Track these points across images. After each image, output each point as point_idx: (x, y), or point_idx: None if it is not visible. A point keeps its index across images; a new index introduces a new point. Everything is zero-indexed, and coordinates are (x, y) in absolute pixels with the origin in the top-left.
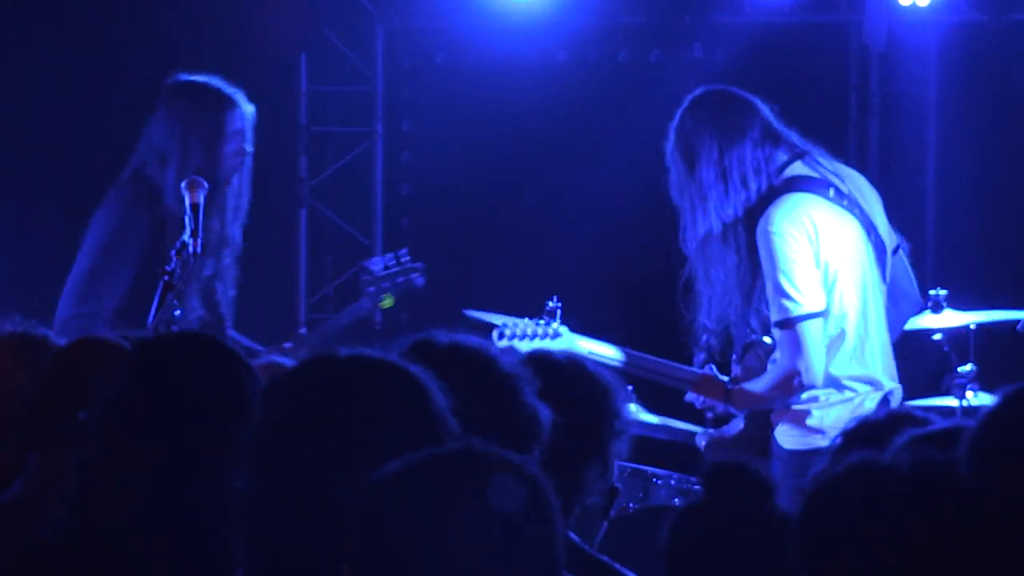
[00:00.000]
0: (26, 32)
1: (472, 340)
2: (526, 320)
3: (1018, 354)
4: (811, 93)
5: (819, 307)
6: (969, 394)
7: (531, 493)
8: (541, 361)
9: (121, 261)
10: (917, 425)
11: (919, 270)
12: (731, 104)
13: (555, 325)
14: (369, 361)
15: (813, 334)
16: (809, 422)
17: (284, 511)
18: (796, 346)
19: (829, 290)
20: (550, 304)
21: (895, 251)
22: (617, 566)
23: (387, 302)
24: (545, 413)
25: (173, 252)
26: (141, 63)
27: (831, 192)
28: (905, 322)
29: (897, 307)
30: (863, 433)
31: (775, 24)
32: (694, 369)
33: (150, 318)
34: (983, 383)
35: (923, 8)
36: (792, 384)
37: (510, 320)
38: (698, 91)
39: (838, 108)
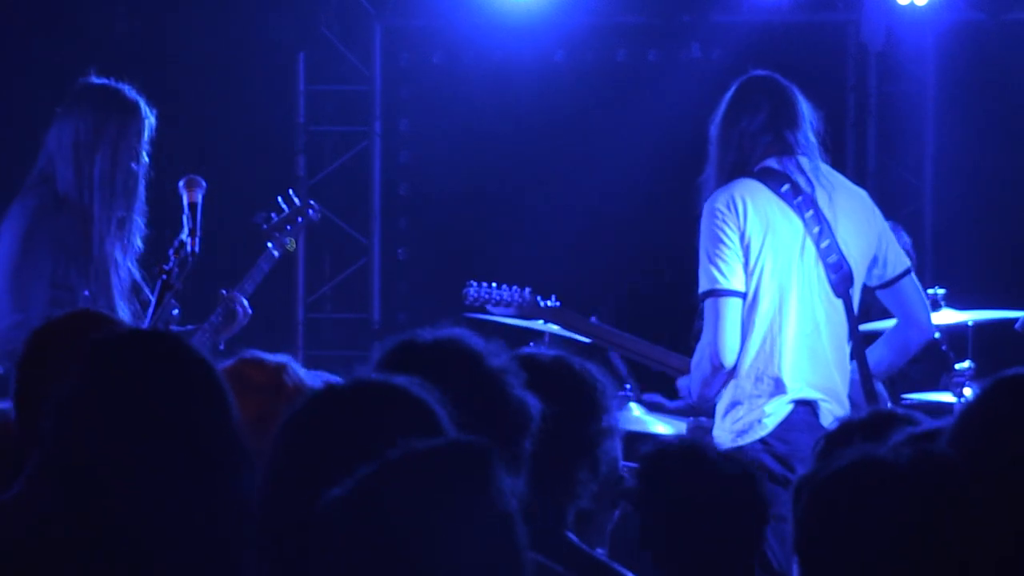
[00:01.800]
0: (23, 29)
1: (456, 335)
2: (494, 284)
3: (1017, 352)
4: (809, 92)
5: (739, 287)
6: (967, 391)
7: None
8: (528, 361)
9: (37, 267)
10: (901, 424)
11: (916, 269)
12: (756, 87)
13: (523, 293)
14: (383, 388)
15: (731, 311)
16: (723, 421)
17: (297, 530)
18: (713, 319)
19: (747, 274)
20: (548, 302)
21: (903, 275)
22: (615, 565)
23: (291, 245)
24: (534, 403)
25: (171, 251)
26: (140, 62)
27: (784, 187)
28: (914, 349)
29: (905, 333)
30: (846, 434)
31: (773, 23)
32: (683, 356)
33: (147, 318)
34: (981, 381)
35: (921, 7)
36: (704, 362)
37: (475, 283)
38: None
39: (836, 107)
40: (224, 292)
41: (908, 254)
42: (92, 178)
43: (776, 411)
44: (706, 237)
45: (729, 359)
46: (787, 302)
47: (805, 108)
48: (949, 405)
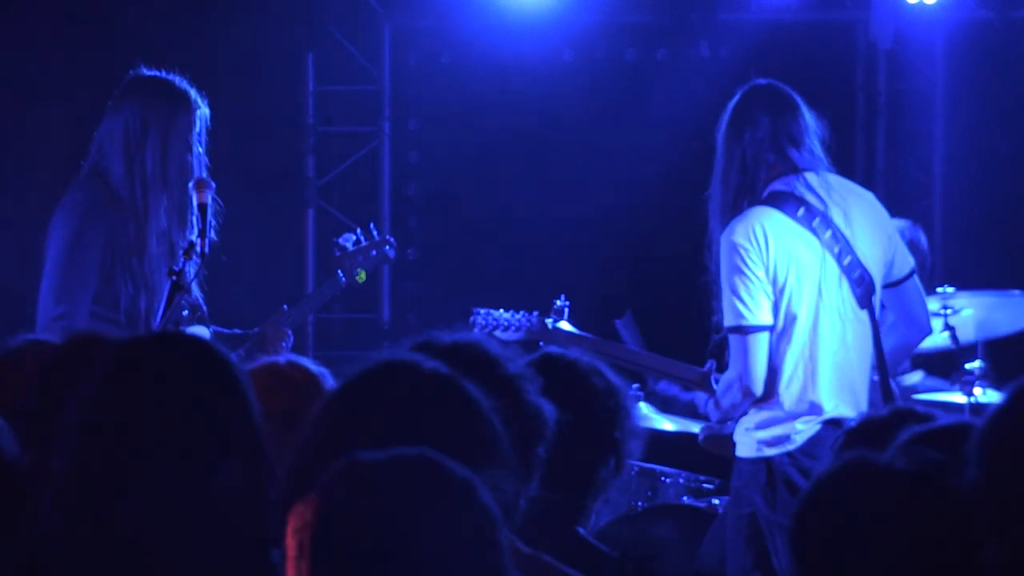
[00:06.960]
0: (26, 29)
1: (473, 339)
2: (501, 311)
3: None
4: (818, 91)
5: (767, 320)
6: (977, 390)
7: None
8: (551, 361)
9: (86, 261)
10: (920, 422)
11: (928, 268)
12: (756, 100)
13: (530, 317)
14: (433, 375)
15: (759, 346)
16: (751, 431)
17: None
18: (742, 354)
19: (775, 304)
20: (558, 303)
21: (908, 276)
22: (629, 562)
23: (361, 276)
24: (549, 410)
25: (181, 252)
26: (149, 63)
27: (800, 211)
28: (912, 347)
29: (906, 331)
30: (865, 431)
31: (782, 22)
32: (694, 367)
33: (157, 319)
34: (992, 380)
35: (930, 5)
36: (735, 390)
37: (483, 310)
38: (749, 84)
39: (845, 106)
40: (285, 307)
41: (924, 255)
42: (143, 173)
43: (807, 428)
44: (728, 271)
45: (760, 389)
46: (817, 328)
47: (808, 117)
48: (959, 405)
